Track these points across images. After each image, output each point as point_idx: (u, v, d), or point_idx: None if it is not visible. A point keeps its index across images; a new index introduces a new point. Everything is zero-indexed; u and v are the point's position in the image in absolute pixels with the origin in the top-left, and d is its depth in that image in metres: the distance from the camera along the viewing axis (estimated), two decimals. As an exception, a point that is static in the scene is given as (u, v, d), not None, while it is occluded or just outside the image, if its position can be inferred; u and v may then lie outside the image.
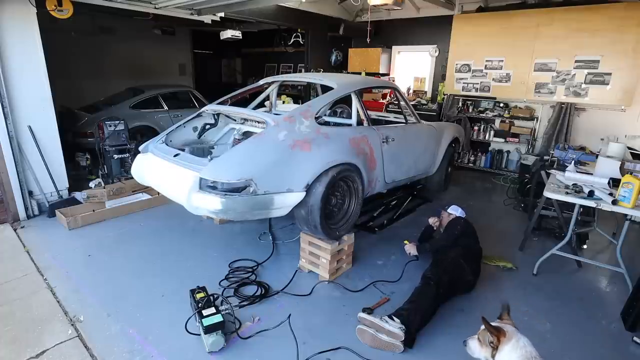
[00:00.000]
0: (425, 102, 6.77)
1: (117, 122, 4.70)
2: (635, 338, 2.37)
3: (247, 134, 3.56)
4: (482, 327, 1.58)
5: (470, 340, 1.66)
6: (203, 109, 3.66)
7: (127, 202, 4.15)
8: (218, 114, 3.69)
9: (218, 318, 2.16)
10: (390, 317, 2.28)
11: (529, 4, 5.50)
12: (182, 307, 2.50)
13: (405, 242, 3.21)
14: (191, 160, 2.86)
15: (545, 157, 4.54)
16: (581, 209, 3.20)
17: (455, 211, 3.22)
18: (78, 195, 4.14)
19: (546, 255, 3.09)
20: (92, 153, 5.08)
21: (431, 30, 6.74)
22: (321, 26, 7.11)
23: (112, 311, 2.50)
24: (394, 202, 4.51)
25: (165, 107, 6.21)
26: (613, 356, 2.27)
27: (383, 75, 7.26)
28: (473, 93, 6.18)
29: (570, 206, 3.15)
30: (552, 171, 3.33)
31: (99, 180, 4.46)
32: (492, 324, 1.56)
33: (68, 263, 3.06)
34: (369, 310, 2.44)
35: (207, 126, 3.69)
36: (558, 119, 5.45)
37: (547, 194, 2.82)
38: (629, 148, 3.99)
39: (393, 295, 2.76)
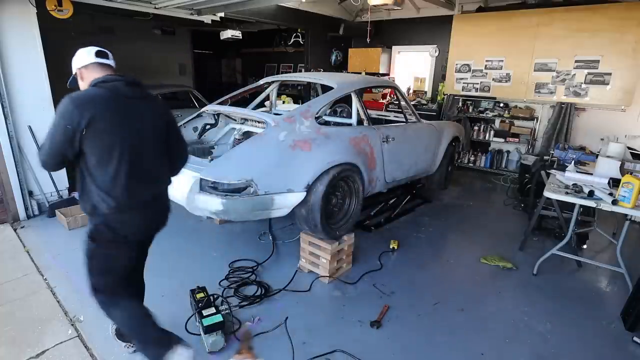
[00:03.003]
0: (425, 102, 6.77)
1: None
2: (635, 338, 2.37)
3: (247, 134, 3.56)
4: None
5: None
6: (203, 109, 3.67)
7: (127, 202, 4.14)
8: (218, 114, 3.69)
9: (218, 318, 2.16)
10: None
11: (529, 4, 5.50)
12: (182, 307, 2.50)
13: None
14: (191, 160, 2.85)
15: (545, 157, 4.54)
16: (581, 209, 3.20)
17: None
18: (78, 195, 4.13)
19: (546, 255, 3.09)
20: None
21: (431, 30, 6.73)
22: (321, 26, 7.11)
23: (112, 311, 2.49)
24: (392, 201, 4.51)
25: (165, 107, 6.20)
26: (613, 356, 2.27)
27: (383, 75, 7.25)
28: (473, 93, 6.18)
29: (570, 206, 3.15)
30: (552, 171, 3.33)
31: (99, 180, 4.45)
32: None
33: (68, 263, 3.06)
34: (378, 324, 2.41)
35: (208, 126, 3.69)
36: (558, 119, 5.45)
37: (547, 194, 2.82)
38: (629, 148, 3.98)
39: (393, 295, 2.76)
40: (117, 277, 1.80)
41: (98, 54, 1.74)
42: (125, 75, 1.73)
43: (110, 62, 1.78)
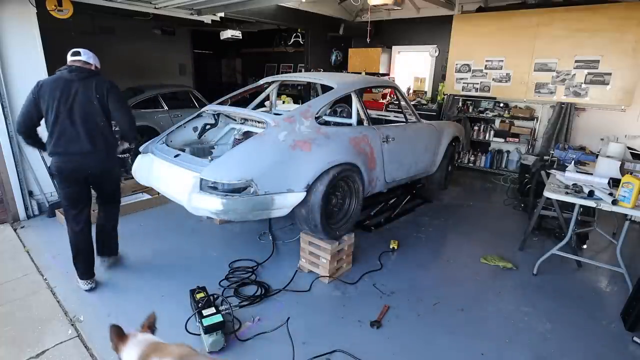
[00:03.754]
0: (425, 102, 6.77)
1: (117, 122, 4.69)
2: (635, 338, 2.37)
3: (247, 134, 3.56)
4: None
5: None
6: (203, 109, 3.66)
7: (127, 202, 4.14)
8: (218, 114, 3.69)
9: (218, 318, 2.16)
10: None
11: (529, 4, 5.50)
12: (182, 307, 2.50)
13: None
14: (192, 160, 2.86)
15: (545, 157, 4.54)
16: (581, 209, 3.20)
17: None
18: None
19: (546, 255, 3.09)
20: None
21: (431, 30, 6.74)
22: (321, 26, 7.11)
23: (112, 311, 2.49)
24: (392, 201, 4.50)
25: (165, 107, 6.21)
26: (613, 356, 2.27)
27: (383, 75, 7.25)
28: (473, 93, 6.18)
29: (570, 206, 3.15)
30: (552, 171, 3.33)
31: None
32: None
33: (68, 263, 3.02)
34: (378, 324, 2.42)
35: (208, 126, 3.69)
36: (558, 119, 5.45)
37: (547, 194, 2.82)
38: (629, 148, 3.98)
39: (393, 295, 2.77)
40: (63, 200, 2.60)
41: (72, 54, 2.47)
42: (73, 65, 2.43)
43: (82, 57, 2.46)
